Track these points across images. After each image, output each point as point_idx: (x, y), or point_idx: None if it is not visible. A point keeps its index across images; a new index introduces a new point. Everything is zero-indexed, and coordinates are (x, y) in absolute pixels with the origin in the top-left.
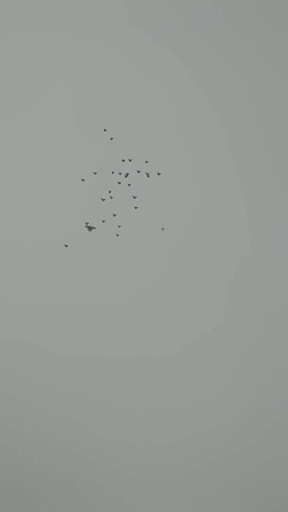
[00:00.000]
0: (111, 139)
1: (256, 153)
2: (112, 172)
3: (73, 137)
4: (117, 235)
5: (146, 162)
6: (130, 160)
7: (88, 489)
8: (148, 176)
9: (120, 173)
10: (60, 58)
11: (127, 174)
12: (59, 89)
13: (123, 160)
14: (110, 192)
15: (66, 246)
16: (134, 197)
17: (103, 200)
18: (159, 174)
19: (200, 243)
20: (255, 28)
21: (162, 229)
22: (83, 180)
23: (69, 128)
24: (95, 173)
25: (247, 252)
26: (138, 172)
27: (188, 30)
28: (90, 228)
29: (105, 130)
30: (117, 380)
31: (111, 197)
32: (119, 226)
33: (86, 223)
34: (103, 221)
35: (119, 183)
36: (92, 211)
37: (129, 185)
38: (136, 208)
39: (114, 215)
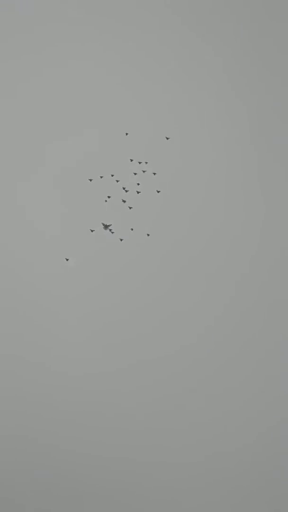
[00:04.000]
0: (126, 134)
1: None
2: (117, 181)
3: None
4: (148, 234)
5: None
6: (144, 171)
7: (88, 478)
8: (158, 191)
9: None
10: (65, 59)
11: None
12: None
13: (131, 160)
14: (108, 198)
15: (67, 259)
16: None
17: (106, 200)
18: (154, 173)
19: (205, 245)
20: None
21: (148, 235)
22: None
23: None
24: (101, 177)
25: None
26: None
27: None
28: (106, 227)
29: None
30: (119, 377)
31: (124, 201)
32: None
33: (103, 223)
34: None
35: (125, 189)
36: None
37: (126, 191)
38: (131, 208)
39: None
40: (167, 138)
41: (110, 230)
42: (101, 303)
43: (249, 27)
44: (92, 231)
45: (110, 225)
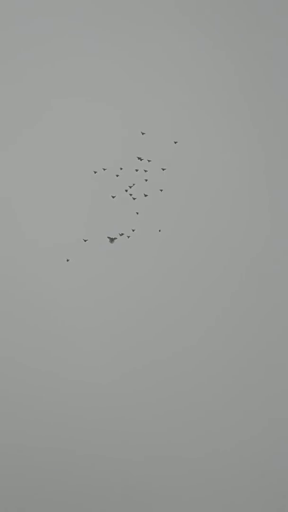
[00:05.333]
0: (143, 133)
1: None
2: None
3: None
4: (159, 230)
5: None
6: (145, 172)
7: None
8: (160, 189)
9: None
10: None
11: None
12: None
13: (140, 159)
14: (112, 197)
15: (67, 260)
16: (146, 194)
17: (113, 197)
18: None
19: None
20: None
21: (159, 230)
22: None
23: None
24: (104, 169)
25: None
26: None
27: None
28: (112, 240)
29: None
30: (119, 377)
31: (134, 198)
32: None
33: (109, 236)
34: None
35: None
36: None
37: (129, 192)
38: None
39: (137, 213)
40: (175, 142)
41: (118, 236)
42: (108, 308)
43: (256, 29)
44: (85, 240)
45: (116, 238)
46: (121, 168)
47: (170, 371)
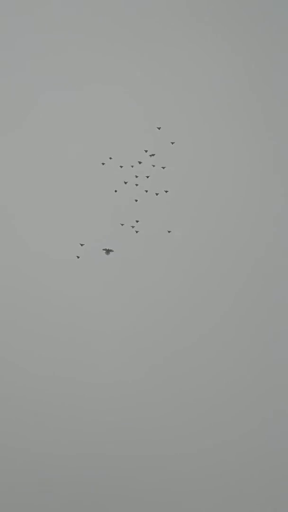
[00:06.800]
0: (159, 128)
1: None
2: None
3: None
4: (169, 231)
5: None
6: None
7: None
8: (166, 191)
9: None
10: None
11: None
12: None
13: (146, 151)
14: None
15: (78, 257)
16: (157, 194)
17: (126, 182)
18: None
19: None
20: None
21: (169, 231)
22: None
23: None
24: (110, 158)
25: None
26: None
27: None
28: (108, 252)
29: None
30: (119, 374)
31: (146, 191)
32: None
33: (104, 248)
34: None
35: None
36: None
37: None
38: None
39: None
40: (172, 143)
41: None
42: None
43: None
44: (81, 245)
45: (112, 250)
46: (139, 162)
47: (174, 370)
